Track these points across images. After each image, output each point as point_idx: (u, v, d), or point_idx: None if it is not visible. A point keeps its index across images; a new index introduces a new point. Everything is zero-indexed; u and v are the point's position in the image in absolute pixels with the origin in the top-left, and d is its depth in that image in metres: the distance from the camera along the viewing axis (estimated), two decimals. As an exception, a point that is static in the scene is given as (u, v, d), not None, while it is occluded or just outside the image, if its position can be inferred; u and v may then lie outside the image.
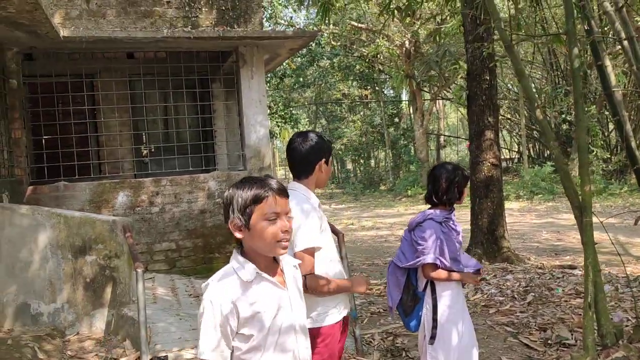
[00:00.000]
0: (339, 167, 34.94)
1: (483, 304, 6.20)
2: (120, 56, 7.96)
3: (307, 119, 31.62)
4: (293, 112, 27.93)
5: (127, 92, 7.92)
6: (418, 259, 3.11)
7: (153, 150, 8.34)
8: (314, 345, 2.48)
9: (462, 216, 13.52)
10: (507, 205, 17.33)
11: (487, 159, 8.70)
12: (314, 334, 2.48)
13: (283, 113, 26.73)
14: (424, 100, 22.88)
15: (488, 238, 8.77)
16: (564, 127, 19.55)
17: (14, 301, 4.82)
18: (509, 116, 25.78)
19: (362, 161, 31.59)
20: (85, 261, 4.95)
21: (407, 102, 27.69)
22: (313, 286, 2.34)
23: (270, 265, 1.90)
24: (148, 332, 4.98)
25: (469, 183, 3.22)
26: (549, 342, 4.48)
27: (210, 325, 1.75)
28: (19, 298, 4.84)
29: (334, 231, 4.72)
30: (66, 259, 4.91)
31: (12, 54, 6.08)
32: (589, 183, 4.00)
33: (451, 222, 3.21)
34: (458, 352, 3.15)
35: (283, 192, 1.86)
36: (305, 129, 32.52)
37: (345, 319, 2.70)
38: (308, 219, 2.45)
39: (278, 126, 30.37)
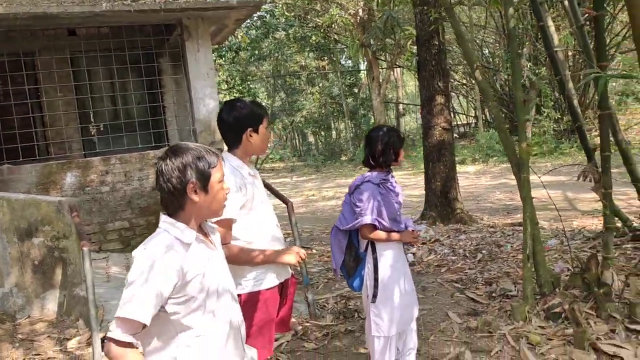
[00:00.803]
0: (300, 140, 34.90)
1: (436, 264, 6.38)
2: (61, 33, 7.69)
3: (265, 93, 31.32)
4: (251, 86, 27.60)
5: (70, 70, 7.68)
6: (357, 221, 3.17)
7: (102, 128, 8.17)
8: (253, 310, 2.53)
9: (420, 181, 13.81)
10: (464, 168, 17.75)
11: (439, 123, 8.83)
12: (253, 299, 2.54)
13: (241, 87, 26.40)
14: (381, 68, 22.92)
15: (442, 201, 8.97)
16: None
17: (-43, 286, 4.71)
18: (464, 81, 26.08)
19: (322, 133, 31.61)
20: (32, 243, 4.86)
21: (364, 71, 27.69)
22: (226, 255, 2.31)
23: (200, 230, 1.96)
24: (101, 311, 4.96)
25: (404, 144, 3.27)
26: (493, 294, 4.66)
27: (150, 289, 1.72)
28: (-37, 283, 4.73)
29: (283, 200, 4.77)
30: (12, 242, 4.81)
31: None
32: (525, 140, 4.12)
33: (389, 183, 3.26)
34: (400, 309, 3.24)
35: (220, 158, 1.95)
36: (263, 103, 32.20)
37: (287, 283, 2.75)
38: None
39: (236, 101, 30.04)
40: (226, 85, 27.40)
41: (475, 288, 5.00)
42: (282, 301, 2.75)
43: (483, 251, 6.57)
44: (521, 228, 8.14)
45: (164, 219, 1.89)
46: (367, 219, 3.12)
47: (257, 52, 24.38)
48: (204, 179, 1.86)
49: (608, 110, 3.89)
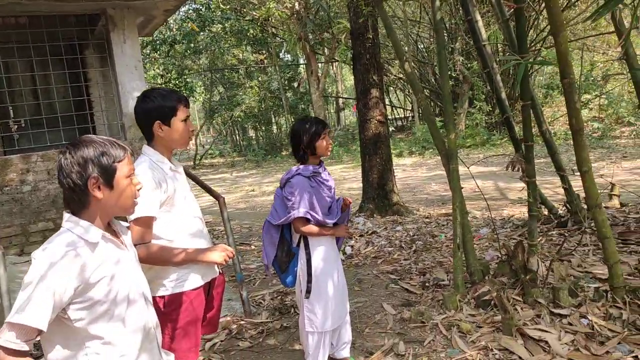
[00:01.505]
0: (240, 135, 34.48)
1: (373, 255, 6.43)
2: (-26, 23, 7.19)
3: (202, 87, 30.71)
4: (187, 80, 27.00)
5: (-14, 63, 7.19)
6: (289, 215, 3.11)
7: (23, 124, 7.70)
8: (177, 312, 2.42)
9: (360, 175, 13.87)
10: (401, 161, 18.05)
11: (374, 116, 8.89)
12: (177, 300, 2.42)
13: (177, 82, 25.77)
14: (319, 62, 22.93)
15: (379, 193, 9.05)
16: (450, 83, 20.38)
17: None
18: (401, 76, 26.49)
19: (263, 127, 31.35)
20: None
21: (302, 65, 27.63)
22: (143, 256, 2.17)
23: (108, 229, 1.85)
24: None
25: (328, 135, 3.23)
26: (427, 284, 4.72)
27: (47, 291, 1.58)
28: None
29: (214, 196, 4.63)
30: None
31: None
32: (453, 131, 4.18)
33: (321, 176, 3.22)
34: (334, 304, 3.21)
35: (128, 152, 1.84)
36: (200, 98, 31.53)
37: (214, 283, 2.64)
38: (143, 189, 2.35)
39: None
40: (162, 80, 26.70)
41: (410, 279, 5.06)
42: (209, 301, 2.65)
43: (418, 242, 6.68)
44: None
45: (66, 217, 1.76)
46: (299, 212, 3.07)
47: (192, 45, 23.82)
48: (108, 174, 1.74)
49: (530, 101, 3.98)
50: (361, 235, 7.57)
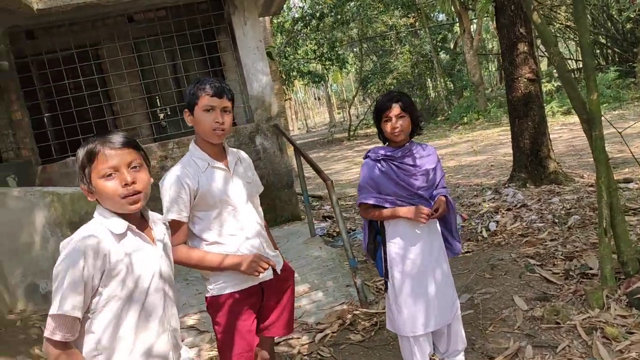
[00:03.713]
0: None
1: (520, 233, 5.72)
2: (121, 20, 7.74)
3: (354, 57, 30.65)
4: (339, 52, 27.07)
5: (134, 56, 7.72)
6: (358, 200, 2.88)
7: (169, 112, 8.20)
8: (215, 316, 2.35)
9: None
10: (569, 119, 16.16)
11: (523, 74, 7.91)
12: (215, 304, 2.34)
13: (329, 55, 25.96)
14: (471, 20, 21.39)
15: (532, 160, 8.07)
16: (628, 26, 17.62)
17: (22, 282, 4.88)
18: (571, 23, 23.65)
19: (417, 92, 30.44)
20: (86, 236, 4.90)
21: (452, 24, 26.07)
22: (174, 259, 2.09)
23: (137, 221, 1.75)
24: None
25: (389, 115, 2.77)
26: (571, 273, 3.99)
27: (77, 280, 1.58)
28: (27, 279, 4.88)
29: (322, 177, 4.39)
30: (65, 235, 4.87)
31: (-2, 34, 5.99)
32: (595, 91, 3.39)
33: (397, 160, 2.80)
34: (416, 308, 2.77)
35: (120, 143, 1.66)
36: (352, 68, 31.53)
37: (275, 281, 2.43)
38: (163, 190, 2.23)
39: (326, 69, 29.70)
40: (314, 55, 27.13)
41: (553, 264, 4.34)
42: (271, 302, 2.46)
43: (575, 216, 5.78)
44: (627, 185, 7.17)
45: (98, 206, 1.72)
46: (361, 196, 2.83)
47: (339, 16, 23.70)
48: (85, 175, 1.67)
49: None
50: (509, 209, 6.83)
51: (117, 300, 1.64)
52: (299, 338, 3.99)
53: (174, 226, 2.18)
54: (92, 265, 1.59)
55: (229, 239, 2.29)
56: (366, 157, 2.88)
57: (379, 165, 2.79)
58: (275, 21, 24.87)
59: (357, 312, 4.19)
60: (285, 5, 25.12)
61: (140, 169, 1.69)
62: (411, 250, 2.78)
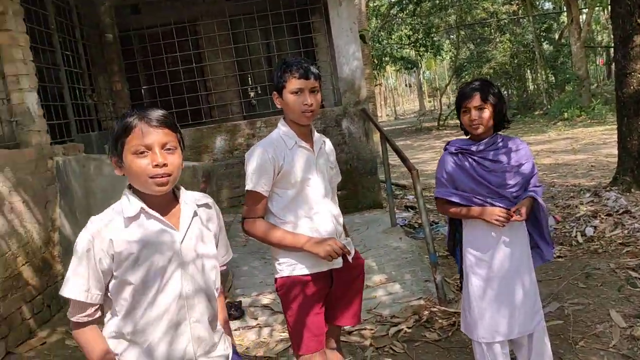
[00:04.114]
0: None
1: (620, 241, 5.26)
2: (220, -1, 7.88)
3: (450, 44, 29.71)
4: (434, 39, 26.32)
5: (229, 34, 7.84)
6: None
7: (260, 91, 8.28)
8: (286, 299, 2.32)
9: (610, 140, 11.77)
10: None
11: (637, 69, 7.22)
12: (285, 285, 2.31)
13: (424, 41, 25.32)
14: (580, 9, 19.99)
15: (639, 163, 7.41)
16: None
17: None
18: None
19: (515, 84, 29.05)
20: (172, 207, 5.03)
21: (558, 13, 24.50)
22: (246, 230, 2.27)
23: (165, 204, 1.65)
24: (230, 277, 5.00)
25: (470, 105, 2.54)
26: (680, 292, 3.58)
27: (83, 263, 1.58)
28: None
29: (408, 166, 4.22)
30: (153, 205, 5.03)
31: (105, 8, 6.25)
32: None
33: (477, 154, 2.59)
34: (491, 313, 2.59)
35: (158, 121, 1.58)
36: (447, 56, 30.60)
37: (346, 269, 2.35)
38: (249, 161, 2.23)
39: (420, 55, 29.02)
40: (408, 40, 26.59)
41: (658, 280, 3.92)
42: (340, 291, 2.38)
43: (687, 227, 5.24)
44: None
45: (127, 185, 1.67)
46: (436, 191, 2.69)
47: (438, 2, 22.98)
48: (117, 150, 1.60)
49: None
50: (609, 214, 6.30)
51: (129, 285, 1.59)
52: (372, 329, 3.88)
53: (253, 198, 2.21)
54: (100, 249, 1.56)
55: (303, 220, 2.26)
56: (445, 149, 2.71)
57: (455, 158, 2.61)
58: (370, 4, 24.59)
59: (434, 309, 4.00)
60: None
61: (174, 152, 1.60)
62: (488, 253, 2.59)
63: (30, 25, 4.94)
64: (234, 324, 4.26)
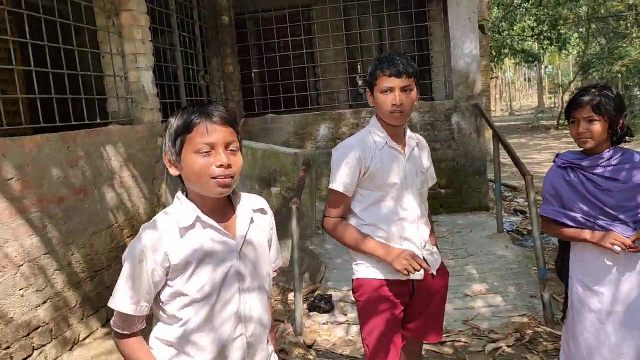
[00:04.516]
0: (623, 93, 29.94)
1: None
2: (336, -17, 7.75)
3: (578, 39, 27.60)
4: (561, 31, 24.52)
5: (342, 20, 7.71)
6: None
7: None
8: (360, 300, 2.25)
9: None
10: None
11: None
12: (358, 287, 2.24)
13: (549, 34, 23.67)
14: None
15: None
16: None
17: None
18: None
19: (651, 85, 26.43)
20: (271, 193, 5.04)
21: None
22: (326, 228, 2.23)
23: (220, 209, 1.55)
24: (323, 269, 4.92)
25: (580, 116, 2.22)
26: None
27: (136, 275, 1.48)
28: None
29: (522, 171, 3.87)
30: (254, 189, 5.06)
31: (224, -9, 6.34)
32: None
33: (588, 170, 2.27)
34: (591, 348, 2.30)
35: (222, 119, 1.47)
36: (574, 51, 28.47)
37: (429, 285, 2.21)
38: (336, 159, 2.17)
39: (543, 49, 27.26)
40: (532, 32, 25.05)
41: None
42: (421, 303, 2.24)
43: None
44: None
45: (177, 194, 1.58)
46: (542, 209, 2.41)
47: (568, -9, 21.34)
48: (175, 148, 1.49)
49: None
50: None
51: (184, 296, 1.50)
52: (466, 343, 3.61)
53: (336, 197, 2.15)
54: (153, 261, 1.47)
55: (385, 224, 2.14)
56: (554, 161, 2.40)
57: (564, 173, 2.31)
58: (494, -7, 23.43)
59: (539, 329, 3.65)
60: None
61: (237, 153, 1.49)
62: (597, 283, 2.27)
63: (151, 6, 5.11)
64: (322, 318, 4.18)
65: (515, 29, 26.44)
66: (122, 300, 1.48)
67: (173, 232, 1.49)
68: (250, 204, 1.62)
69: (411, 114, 2.19)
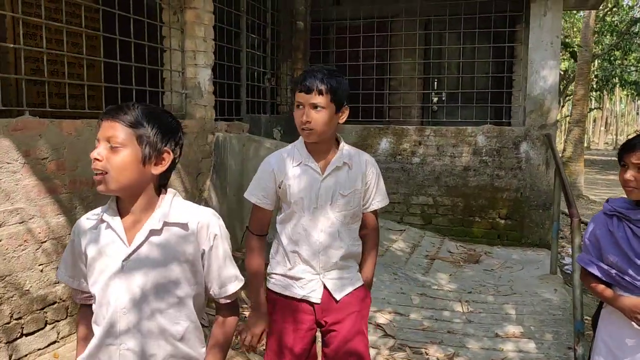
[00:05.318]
0: None
1: None
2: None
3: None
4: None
5: (417, 34, 7.51)
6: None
7: (444, 97, 7.81)
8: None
9: None
10: None
11: None
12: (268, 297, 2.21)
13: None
14: None
15: None
16: None
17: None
18: None
19: None
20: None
21: None
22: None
23: (139, 212, 1.51)
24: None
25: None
26: None
27: (68, 253, 1.61)
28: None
29: (570, 211, 3.53)
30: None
31: (302, -4, 6.37)
32: None
33: (635, 223, 2.00)
34: None
35: (112, 115, 1.44)
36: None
37: (328, 312, 2.11)
38: (257, 170, 2.16)
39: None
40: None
41: None
42: (330, 327, 2.13)
43: None
44: None
45: None
46: (578, 257, 2.18)
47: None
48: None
49: None
50: None
51: (91, 291, 1.56)
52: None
53: (252, 209, 2.15)
54: (78, 244, 1.55)
55: (289, 242, 2.12)
56: (604, 205, 2.12)
57: (609, 221, 2.04)
58: (608, 19, 22.03)
59: (567, 388, 3.31)
60: (624, 3, 21.96)
61: (118, 150, 1.42)
62: (619, 349, 2.02)
63: (220, 5, 5.21)
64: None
65: (629, 58, 24.67)
66: (64, 272, 1.63)
67: (91, 224, 1.56)
68: (162, 211, 1.53)
69: (330, 132, 2.01)
